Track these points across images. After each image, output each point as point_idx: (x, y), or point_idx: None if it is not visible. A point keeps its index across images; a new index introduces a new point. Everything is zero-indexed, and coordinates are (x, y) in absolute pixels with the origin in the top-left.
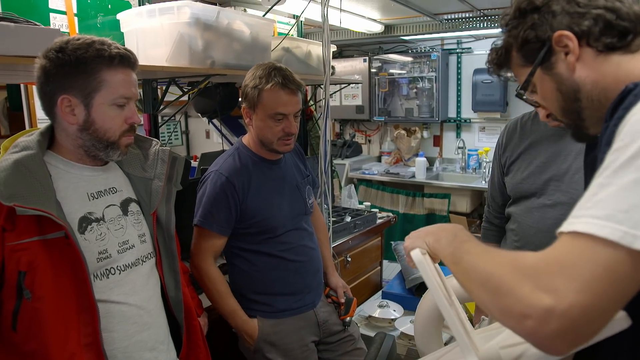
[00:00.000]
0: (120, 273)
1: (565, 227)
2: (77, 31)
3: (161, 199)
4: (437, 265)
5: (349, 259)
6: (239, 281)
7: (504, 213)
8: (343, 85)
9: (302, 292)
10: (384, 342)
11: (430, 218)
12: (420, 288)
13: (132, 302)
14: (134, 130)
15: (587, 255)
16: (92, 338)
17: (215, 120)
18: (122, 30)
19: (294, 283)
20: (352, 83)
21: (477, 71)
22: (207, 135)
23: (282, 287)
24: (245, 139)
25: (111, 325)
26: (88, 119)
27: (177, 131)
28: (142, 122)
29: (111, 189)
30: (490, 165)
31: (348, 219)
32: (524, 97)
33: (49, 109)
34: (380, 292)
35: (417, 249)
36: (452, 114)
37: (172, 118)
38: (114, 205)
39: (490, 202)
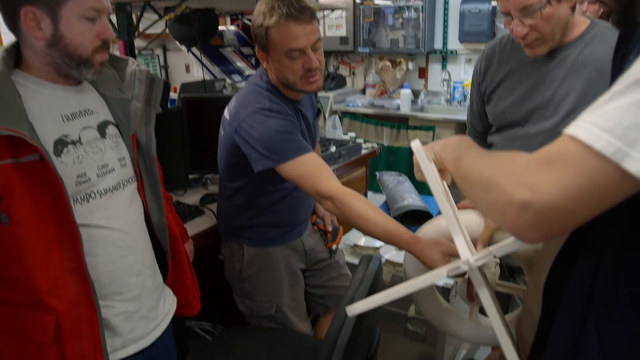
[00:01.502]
0: (100, 197)
1: (569, 129)
2: None
3: (140, 121)
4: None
5: None
6: (232, 212)
7: (485, 140)
8: (326, 13)
9: (295, 224)
10: (371, 264)
11: None
12: (406, 217)
13: (115, 227)
14: (108, 47)
15: (576, 161)
16: (76, 262)
17: (195, 50)
18: None
19: (290, 217)
20: (336, 9)
21: (464, 0)
22: (187, 69)
23: (278, 220)
24: (271, 77)
25: (94, 249)
26: (56, 34)
27: (155, 65)
28: (115, 38)
29: (86, 111)
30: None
31: (333, 149)
32: None
33: (12, 23)
34: None
35: (417, 140)
36: (438, 45)
37: (150, 50)
38: (91, 127)
39: (471, 130)
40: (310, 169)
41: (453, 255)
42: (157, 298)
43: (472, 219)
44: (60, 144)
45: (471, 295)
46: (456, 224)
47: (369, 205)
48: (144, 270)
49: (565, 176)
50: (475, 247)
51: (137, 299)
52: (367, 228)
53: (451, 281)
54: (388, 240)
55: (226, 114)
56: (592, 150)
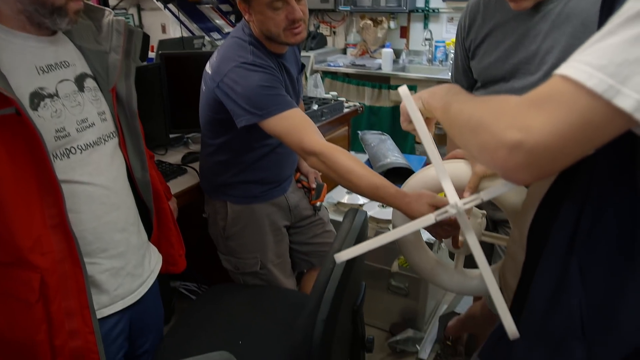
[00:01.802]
0: (81, 152)
1: (560, 69)
2: None
3: (120, 74)
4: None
5: None
6: (215, 169)
7: None
8: None
9: (279, 180)
10: (357, 217)
11: (397, 110)
12: (388, 175)
13: (97, 182)
14: None
15: (567, 100)
16: (58, 219)
17: (172, 7)
18: None
19: (274, 173)
20: None
21: None
22: (164, 29)
23: (261, 176)
24: (254, 29)
25: (77, 206)
26: None
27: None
28: None
29: (63, 63)
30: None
31: (315, 107)
32: None
33: None
34: None
35: (404, 86)
36: (420, 3)
37: (123, 10)
38: (68, 80)
39: None
40: (295, 124)
41: (439, 205)
42: (143, 255)
43: (458, 169)
44: (37, 97)
45: (456, 244)
46: (444, 169)
47: (354, 160)
48: (128, 227)
49: (557, 116)
50: (464, 194)
51: (122, 255)
52: (353, 183)
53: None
54: (374, 194)
55: (208, 68)
56: (583, 88)
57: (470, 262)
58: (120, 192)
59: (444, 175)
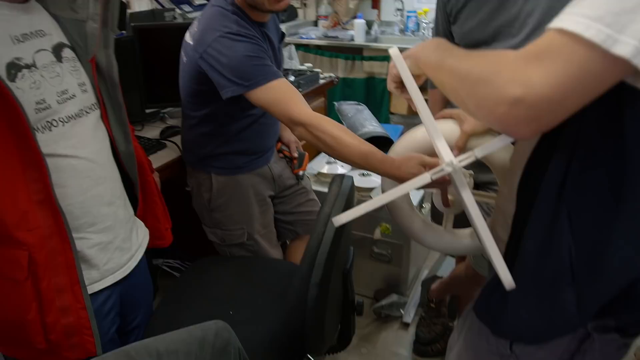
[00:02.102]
0: (63, 125)
1: (554, 23)
2: None
3: (99, 44)
4: None
5: None
6: (198, 141)
7: None
8: None
9: (262, 151)
10: (344, 181)
11: (370, 82)
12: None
13: (81, 155)
14: None
15: (565, 52)
16: (44, 194)
17: None
18: None
19: (258, 144)
20: None
21: None
22: (128, 4)
23: (245, 147)
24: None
25: (63, 179)
26: None
27: None
28: None
29: (38, 32)
30: (434, 14)
31: (292, 78)
32: None
33: None
34: None
35: (395, 47)
36: None
37: None
38: (45, 50)
39: None
40: (282, 94)
41: (429, 165)
42: (130, 229)
43: (446, 129)
44: (14, 68)
45: (447, 202)
46: (437, 128)
47: (342, 129)
48: (115, 200)
49: (556, 68)
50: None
51: (110, 229)
52: (341, 151)
53: (417, 198)
54: (363, 162)
55: (188, 39)
56: (581, 39)
57: (458, 223)
58: (105, 165)
59: (436, 134)
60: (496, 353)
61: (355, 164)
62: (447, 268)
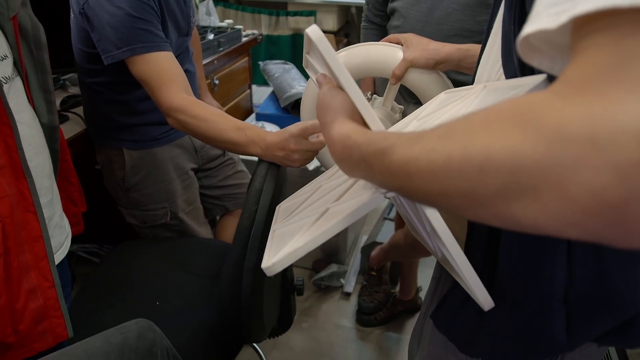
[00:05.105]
0: (2, 87)
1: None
2: None
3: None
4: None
5: (217, 82)
6: (101, 112)
7: (385, 11)
8: None
9: None
10: None
11: (297, 38)
12: (295, 106)
13: (22, 121)
14: None
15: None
16: (6, 157)
17: None
18: None
19: None
20: None
21: None
22: None
23: (159, 116)
24: None
25: None
26: None
27: None
28: None
29: None
30: None
31: (211, 36)
32: None
33: None
34: (254, 115)
35: (314, 25)
36: None
37: None
38: None
39: (370, 1)
40: (156, 74)
41: (309, 130)
42: (61, 206)
43: (388, 52)
44: None
45: None
46: (366, 103)
47: (218, 114)
48: (51, 172)
49: None
50: (390, 80)
51: (50, 204)
52: (214, 133)
53: None
54: (241, 140)
55: None
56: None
57: None
58: (41, 134)
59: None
60: None
61: (230, 146)
62: (387, 233)
